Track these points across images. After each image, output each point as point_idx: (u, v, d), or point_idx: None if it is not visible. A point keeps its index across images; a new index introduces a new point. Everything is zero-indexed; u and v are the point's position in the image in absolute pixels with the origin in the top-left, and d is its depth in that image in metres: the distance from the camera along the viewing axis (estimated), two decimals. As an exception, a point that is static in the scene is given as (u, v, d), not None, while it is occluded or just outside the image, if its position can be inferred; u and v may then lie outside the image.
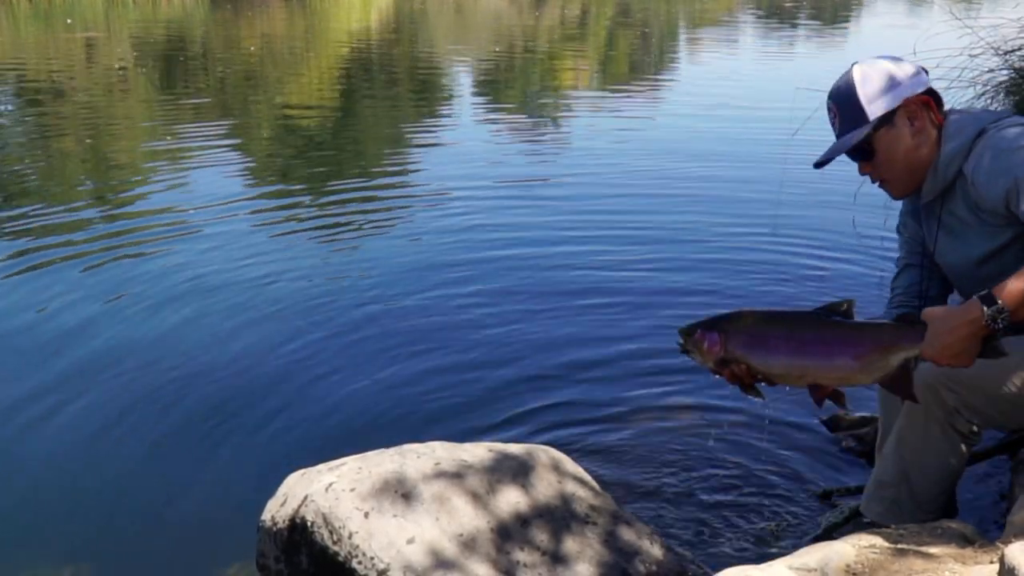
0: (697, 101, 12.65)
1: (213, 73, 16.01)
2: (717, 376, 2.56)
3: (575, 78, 16.45)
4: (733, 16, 28.92)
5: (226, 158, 9.26)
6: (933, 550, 2.19)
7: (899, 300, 2.83)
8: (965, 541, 2.29)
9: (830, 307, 2.48)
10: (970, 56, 5.70)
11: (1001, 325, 2.26)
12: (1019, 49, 5.66)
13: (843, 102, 2.62)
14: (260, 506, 2.71)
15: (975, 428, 2.67)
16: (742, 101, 12.16)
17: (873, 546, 2.23)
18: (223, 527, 3.29)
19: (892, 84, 2.57)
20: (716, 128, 10.48)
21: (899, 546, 2.23)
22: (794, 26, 25.43)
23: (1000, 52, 5.72)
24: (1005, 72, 5.72)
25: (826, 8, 30.81)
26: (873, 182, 2.73)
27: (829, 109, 2.68)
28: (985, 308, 2.25)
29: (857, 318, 2.47)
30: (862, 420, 3.69)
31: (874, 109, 2.57)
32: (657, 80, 15.65)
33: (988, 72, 5.76)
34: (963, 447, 2.70)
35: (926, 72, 2.66)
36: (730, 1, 33.17)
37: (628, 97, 13.45)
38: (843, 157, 2.67)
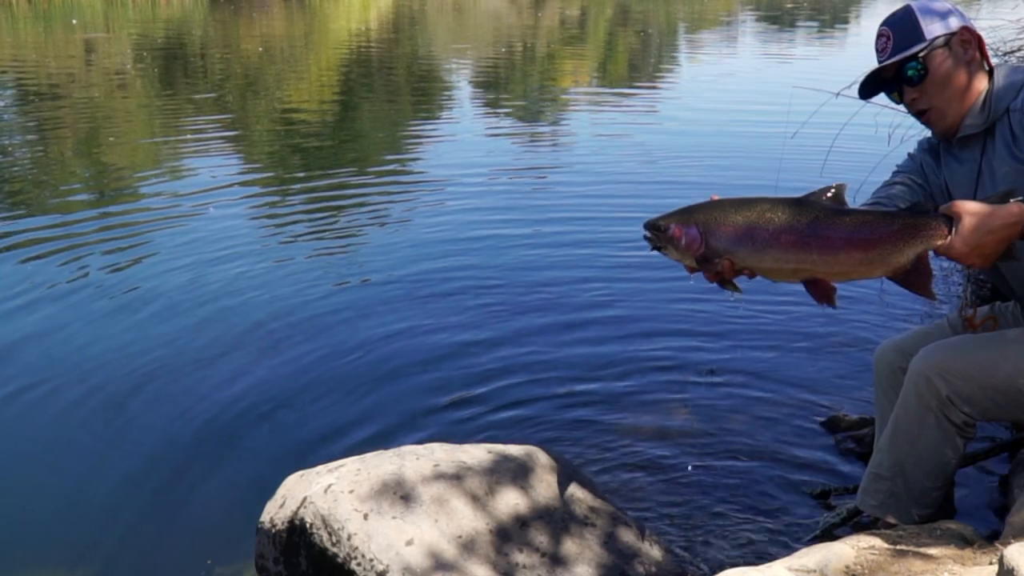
0: (695, 102, 12.66)
1: (212, 73, 16.04)
2: (693, 273, 2.36)
3: (574, 79, 16.45)
4: (732, 16, 28.92)
5: (225, 159, 9.30)
6: (932, 551, 2.19)
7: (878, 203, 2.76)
8: (964, 542, 2.30)
9: (820, 192, 2.29)
10: None
11: None
12: (1018, 50, 5.66)
13: (898, 24, 2.64)
14: (259, 508, 2.71)
15: (970, 420, 2.65)
16: (740, 102, 12.17)
17: (872, 547, 2.23)
18: (222, 529, 3.28)
19: (949, 12, 2.63)
20: (714, 129, 10.51)
21: (898, 547, 2.23)
22: (793, 27, 25.42)
23: (999, 53, 5.72)
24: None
25: (826, 9, 30.80)
26: (915, 113, 2.69)
27: (881, 36, 2.68)
28: None
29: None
30: (861, 421, 3.69)
31: (932, 29, 2.60)
32: (656, 81, 15.63)
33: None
34: (958, 439, 2.69)
35: None
36: (730, 1, 33.17)
37: (627, 99, 13.44)
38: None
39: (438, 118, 12.17)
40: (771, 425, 3.81)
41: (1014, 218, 2.19)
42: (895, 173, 2.86)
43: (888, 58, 2.63)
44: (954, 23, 2.60)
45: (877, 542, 2.26)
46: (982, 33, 2.68)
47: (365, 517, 2.47)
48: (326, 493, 2.54)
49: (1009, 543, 1.97)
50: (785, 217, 2.22)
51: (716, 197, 2.34)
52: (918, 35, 2.60)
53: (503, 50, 20.48)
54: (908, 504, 2.76)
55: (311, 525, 2.51)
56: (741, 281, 2.34)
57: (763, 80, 14.49)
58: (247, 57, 18.37)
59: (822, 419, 3.82)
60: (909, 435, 2.70)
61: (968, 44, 2.61)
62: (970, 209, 2.20)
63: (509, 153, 9.57)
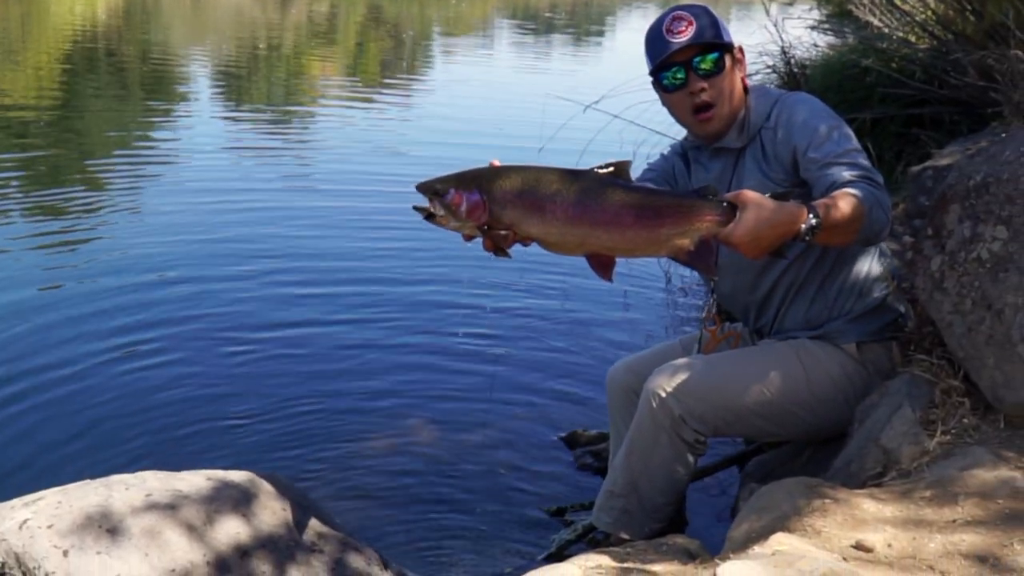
0: (447, 107, 12.59)
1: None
2: (469, 241, 2.25)
3: (322, 78, 16.11)
4: (488, 23, 29.28)
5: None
6: (656, 567, 2.20)
7: None
8: (689, 557, 2.32)
9: (607, 166, 2.22)
10: None
11: (807, 238, 2.25)
12: (755, 74, 5.92)
13: (700, 16, 2.63)
14: (-58, 547, 2.40)
15: (701, 437, 2.74)
16: (493, 108, 12.23)
17: (599, 566, 2.21)
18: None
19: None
20: (464, 135, 10.37)
21: (624, 565, 2.23)
22: (548, 35, 25.97)
23: None
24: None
25: (582, 18, 31.66)
26: (697, 110, 2.68)
27: (678, 19, 2.64)
28: (811, 218, 2.24)
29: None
30: (600, 436, 3.72)
31: (726, 34, 2.66)
32: (408, 84, 15.54)
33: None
34: (689, 456, 2.77)
35: None
36: (485, 7, 33.55)
37: (376, 101, 13.24)
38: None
39: (172, 116, 11.54)
40: (510, 441, 3.80)
41: (794, 217, 2.22)
42: (647, 171, 2.91)
43: (691, 41, 2.61)
44: (731, 37, 2.69)
45: (604, 560, 2.24)
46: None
47: (65, 554, 2.23)
48: (21, 529, 2.28)
49: (728, 558, 1.99)
50: (575, 189, 2.15)
51: (496, 162, 2.23)
52: (720, 32, 2.64)
53: (245, 47, 19.85)
54: (641, 519, 2.82)
55: (3, 564, 2.25)
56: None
57: (516, 87, 14.64)
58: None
59: (562, 434, 3.83)
60: (643, 454, 2.74)
61: (741, 60, 2.73)
62: (756, 200, 2.20)
63: (245, 157, 9.15)
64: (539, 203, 2.14)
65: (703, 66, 2.63)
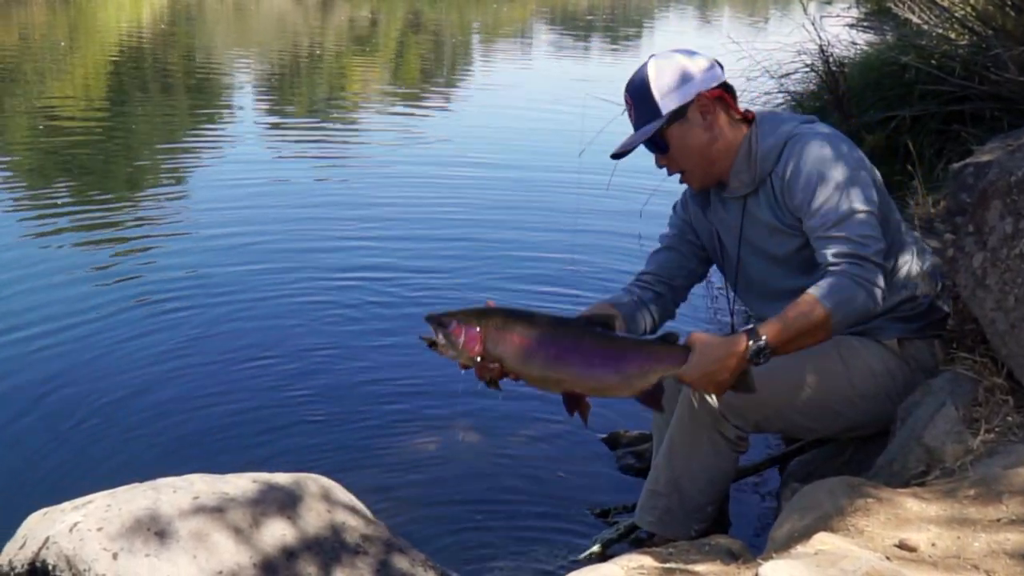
0: (489, 111, 12.62)
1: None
2: (464, 370, 2.50)
3: (364, 85, 16.17)
4: (527, 26, 29.25)
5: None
6: (699, 567, 2.20)
7: (646, 280, 2.90)
8: (731, 557, 2.32)
9: (592, 317, 2.53)
10: (747, 79, 5.92)
11: (763, 361, 2.38)
12: (793, 73, 5.91)
13: (637, 95, 2.66)
14: (-2, 550, 2.45)
15: (742, 434, 2.76)
16: (536, 110, 12.20)
17: (641, 566, 2.22)
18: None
19: (685, 79, 2.63)
20: (509, 137, 10.42)
21: (667, 565, 2.23)
22: (588, 37, 25.91)
23: (775, 76, 5.96)
24: (780, 96, 5.97)
25: (619, 21, 31.56)
26: (670, 174, 2.76)
27: (625, 101, 2.71)
28: (750, 343, 2.36)
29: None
30: (641, 436, 3.72)
31: (667, 103, 2.62)
32: (449, 88, 15.58)
33: (765, 94, 5.99)
34: (731, 453, 2.79)
35: (721, 66, 2.73)
36: (524, 11, 33.52)
37: (419, 106, 13.27)
38: (644, 152, 2.73)
39: (217, 123, 11.62)
40: (551, 443, 3.80)
41: (737, 348, 2.37)
42: (663, 236, 2.97)
43: (635, 125, 2.69)
44: (690, 92, 2.62)
45: (647, 560, 2.25)
46: (737, 78, 2.80)
47: (115, 556, 2.28)
48: (71, 532, 2.33)
49: (770, 558, 1.99)
50: (555, 334, 2.46)
51: (491, 303, 2.52)
52: (654, 111, 2.63)
53: (288, 53, 19.99)
54: (684, 519, 2.82)
55: (54, 567, 2.29)
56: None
57: (556, 90, 14.56)
58: (2, 51, 17.22)
59: (603, 435, 3.82)
60: (684, 452, 2.75)
61: (707, 110, 2.65)
62: (702, 341, 2.41)
63: (291, 163, 9.21)
64: (525, 343, 2.43)
65: (652, 149, 2.69)
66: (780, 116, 2.76)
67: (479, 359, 2.43)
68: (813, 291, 2.40)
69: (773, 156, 2.63)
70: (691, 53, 2.71)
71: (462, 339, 2.42)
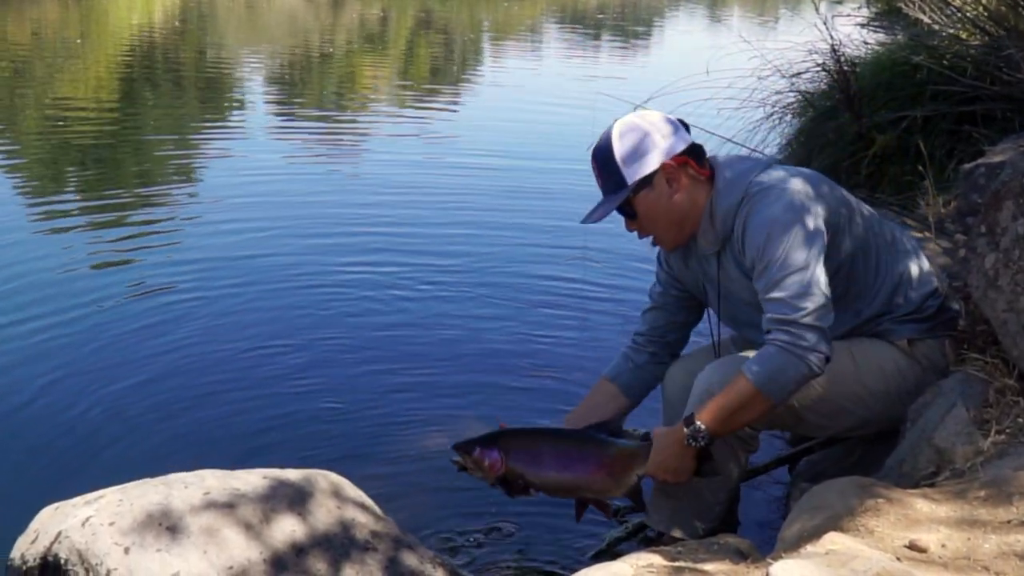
0: (500, 108, 12.63)
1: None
2: (494, 487, 2.77)
3: (374, 83, 16.18)
4: (537, 24, 29.24)
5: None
6: (708, 567, 2.21)
7: (640, 343, 3.04)
8: (740, 556, 2.32)
9: (600, 424, 2.80)
10: (758, 78, 5.91)
11: (703, 443, 2.57)
12: (804, 73, 5.90)
13: (603, 164, 2.69)
14: (9, 545, 2.47)
15: (753, 433, 2.78)
16: (546, 108, 12.18)
17: (651, 564, 2.23)
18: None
19: (649, 147, 2.65)
20: (520, 135, 10.42)
21: (676, 563, 2.24)
22: (598, 36, 25.89)
23: (786, 75, 5.95)
24: (791, 95, 5.96)
25: (629, 20, 31.53)
26: (641, 238, 2.82)
27: (592, 166, 2.74)
28: (685, 429, 2.54)
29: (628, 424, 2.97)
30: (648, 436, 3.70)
31: (631, 173, 2.64)
32: (459, 87, 15.58)
33: (776, 94, 5.99)
34: (741, 452, 2.81)
35: (685, 127, 2.74)
36: (534, 10, 33.49)
37: (429, 103, 13.28)
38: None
39: (228, 119, 11.68)
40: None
41: (677, 434, 2.58)
42: (651, 293, 3.05)
43: (602, 191, 2.74)
44: (654, 160, 2.64)
45: (656, 559, 2.26)
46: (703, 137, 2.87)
47: (126, 551, 2.29)
48: (83, 526, 2.34)
49: (780, 557, 1.99)
50: (562, 446, 2.76)
51: (504, 425, 2.80)
52: (620, 180, 2.66)
53: (299, 50, 20.00)
54: (693, 518, 2.83)
55: (66, 561, 2.31)
56: None
57: (566, 88, 14.55)
58: (15, 48, 17.24)
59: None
60: (694, 451, 2.74)
61: (672, 176, 2.66)
62: (657, 433, 2.68)
63: (302, 162, 9.18)
64: (538, 459, 2.72)
65: (621, 215, 2.74)
66: (737, 167, 2.73)
67: (504, 477, 2.70)
68: (744, 367, 2.52)
69: (731, 217, 2.65)
70: (655, 119, 2.72)
71: (486, 462, 2.69)
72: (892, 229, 2.87)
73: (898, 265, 2.79)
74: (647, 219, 2.71)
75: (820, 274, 2.52)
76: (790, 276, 2.50)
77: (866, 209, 2.84)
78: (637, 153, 2.64)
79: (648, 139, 2.64)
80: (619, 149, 2.64)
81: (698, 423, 2.54)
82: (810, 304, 2.47)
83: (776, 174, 2.66)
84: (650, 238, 2.83)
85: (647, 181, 2.65)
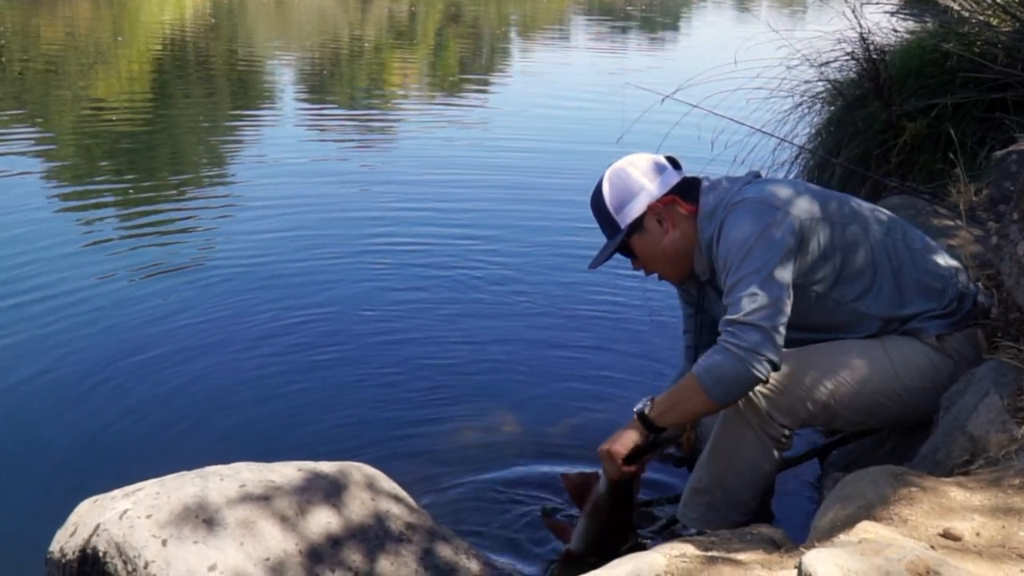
0: (531, 101, 12.62)
1: (11, 65, 15.10)
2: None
3: (403, 78, 16.22)
4: (565, 17, 29.20)
5: (26, 161, 8.61)
6: (741, 556, 2.20)
7: (690, 356, 3.08)
8: (773, 546, 2.32)
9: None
10: (787, 67, 5.88)
11: (644, 425, 2.68)
12: (833, 61, 5.86)
13: (598, 212, 2.83)
14: (49, 537, 2.51)
15: (787, 432, 2.76)
16: (576, 100, 12.20)
17: (683, 555, 2.23)
18: (7, 560, 3.05)
19: (636, 191, 2.76)
20: (551, 127, 10.45)
21: (709, 553, 2.23)
22: (626, 28, 25.83)
23: (815, 64, 5.92)
24: (820, 84, 5.93)
25: (657, 12, 31.42)
26: (647, 275, 2.93)
27: (594, 216, 2.85)
28: (636, 408, 2.71)
29: None
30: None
31: (623, 218, 2.76)
32: (488, 81, 15.59)
33: (805, 83, 5.96)
34: (775, 452, 2.79)
35: (676, 165, 2.83)
36: (562, 3, 33.42)
37: (457, 99, 13.34)
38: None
39: (260, 118, 11.68)
40: (594, 434, 3.78)
41: (630, 425, 2.71)
42: (682, 316, 3.16)
43: (605, 235, 2.84)
44: (642, 204, 2.74)
45: (689, 549, 2.26)
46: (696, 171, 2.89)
47: (164, 543, 2.32)
48: (121, 519, 2.37)
49: (813, 546, 1.99)
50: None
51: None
52: (614, 226, 2.78)
53: (329, 46, 20.07)
54: (726, 514, 2.84)
55: (104, 554, 2.34)
56: None
57: (596, 80, 14.53)
58: (49, 47, 17.41)
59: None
60: (728, 450, 2.76)
61: (662, 216, 2.76)
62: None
63: (333, 157, 9.25)
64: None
65: (624, 255, 2.85)
66: (717, 193, 2.76)
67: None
68: (693, 373, 2.59)
69: (710, 243, 2.72)
70: (645, 163, 2.80)
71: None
72: (913, 233, 2.85)
73: (935, 259, 2.79)
74: (646, 259, 2.84)
75: (775, 278, 2.53)
76: (742, 280, 2.55)
77: (883, 215, 2.83)
78: (625, 199, 2.76)
79: (635, 184, 2.76)
80: (608, 196, 2.77)
81: (643, 407, 2.67)
82: (754, 304, 2.50)
83: (749, 192, 2.69)
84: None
85: (638, 224, 2.76)
